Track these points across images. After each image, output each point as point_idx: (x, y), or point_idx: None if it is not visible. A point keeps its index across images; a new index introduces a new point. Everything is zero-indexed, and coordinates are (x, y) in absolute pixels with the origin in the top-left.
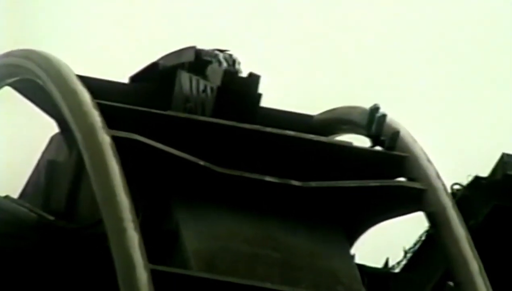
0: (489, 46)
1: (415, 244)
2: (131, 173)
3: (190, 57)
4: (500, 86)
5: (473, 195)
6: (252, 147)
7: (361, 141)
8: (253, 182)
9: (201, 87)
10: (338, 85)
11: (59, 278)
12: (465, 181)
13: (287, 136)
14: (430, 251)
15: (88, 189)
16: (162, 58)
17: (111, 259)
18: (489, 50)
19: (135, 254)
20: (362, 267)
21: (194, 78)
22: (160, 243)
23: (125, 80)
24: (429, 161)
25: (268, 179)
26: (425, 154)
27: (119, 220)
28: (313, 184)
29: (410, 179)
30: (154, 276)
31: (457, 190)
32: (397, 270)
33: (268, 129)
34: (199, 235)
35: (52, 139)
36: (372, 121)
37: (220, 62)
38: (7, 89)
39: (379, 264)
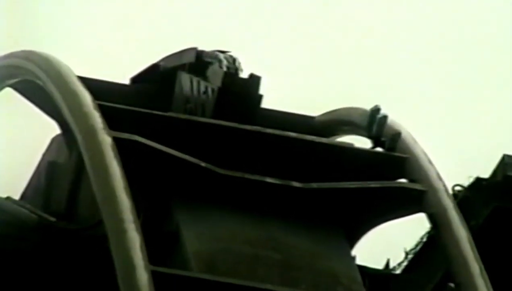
0: (490, 46)
1: (416, 245)
2: (132, 174)
3: (191, 58)
4: (501, 87)
5: (474, 196)
6: (253, 148)
7: (362, 142)
8: (254, 183)
9: (202, 89)
10: (339, 86)
11: (59, 279)
12: (466, 182)
13: (288, 138)
14: (431, 252)
15: (88, 190)
16: (163, 59)
17: (111, 260)
18: (489, 51)
19: (135, 255)
20: (363, 268)
21: (195, 79)
22: (160, 244)
23: (126, 81)
24: (430, 162)
25: (269, 180)
26: (426, 155)
27: (119, 221)
28: (314, 185)
29: (411, 180)
30: (155, 277)
31: (458, 191)
32: (398, 271)
33: (269, 130)
34: (200, 236)
35: (53, 140)
36: (373, 123)
37: (220, 63)
38: (8, 90)
39: (380, 265)
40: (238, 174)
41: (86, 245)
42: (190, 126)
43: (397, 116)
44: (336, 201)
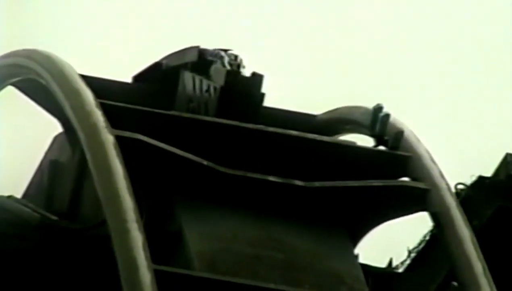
0: (492, 45)
1: (419, 244)
2: (135, 172)
3: (193, 57)
4: (504, 86)
5: (476, 194)
6: (256, 146)
7: (365, 141)
8: (256, 182)
9: (204, 87)
10: (341, 85)
11: (62, 278)
12: (468, 181)
13: (290, 136)
14: (434, 251)
15: (91, 189)
16: (166, 58)
17: (114, 259)
18: (491, 50)
19: (138, 255)
20: (366, 267)
21: (197, 78)
22: (163, 243)
23: (128, 80)
24: (433, 160)
25: (271, 178)
26: (428, 153)
27: (122, 220)
28: (317, 183)
29: (414, 178)
30: (158, 276)
31: (461, 189)
32: (401, 270)
33: (271, 129)
34: (203, 235)
35: (55, 139)
36: (376, 121)
37: (223, 62)
38: (10, 89)
39: (383, 264)
40: (240, 173)
41: (89, 244)
42: (192, 125)
43: (400, 115)
44: (339, 200)
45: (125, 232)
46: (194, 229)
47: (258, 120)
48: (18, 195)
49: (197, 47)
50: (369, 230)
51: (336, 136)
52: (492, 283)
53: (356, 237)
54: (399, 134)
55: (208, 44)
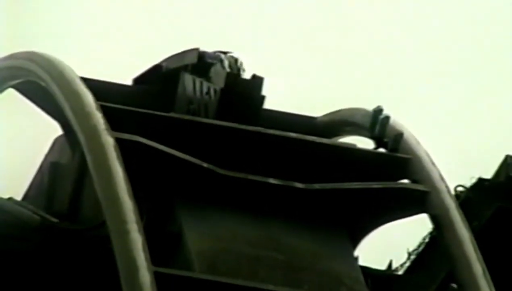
0: (492, 46)
1: (418, 246)
2: (134, 175)
3: (193, 59)
4: (503, 87)
5: (476, 197)
6: (255, 148)
7: (364, 143)
8: (256, 184)
9: (204, 89)
10: (341, 87)
11: (62, 280)
12: (468, 183)
13: (290, 138)
14: (434, 253)
15: (91, 191)
16: (165, 60)
17: (114, 261)
18: (492, 51)
19: (138, 256)
20: (365, 269)
21: (197, 80)
22: (163, 245)
23: (128, 82)
24: (432, 162)
25: (271, 181)
26: (428, 155)
27: (122, 222)
28: (317, 186)
29: (413, 181)
30: (157, 278)
31: (461, 192)
32: (400, 272)
33: (271, 131)
34: (203, 237)
35: (55, 141)
36: (376, 123)
37: (223, 64)
38: (10, 91)
39: (383, 266)
40: (240, 175)
41: (89, 246)
42: (192, 127)
43: (400, 117)
44: (339, 202)
45: (125, 233)
46: (194, 231)
47: (258, 122)
48: (18, 197)
49: (197, 49)
50: (368, 232)
51: (336, 138)
52: (491, 284)
53: (355, 239)
54: (399, 136)
55: (208, 46)
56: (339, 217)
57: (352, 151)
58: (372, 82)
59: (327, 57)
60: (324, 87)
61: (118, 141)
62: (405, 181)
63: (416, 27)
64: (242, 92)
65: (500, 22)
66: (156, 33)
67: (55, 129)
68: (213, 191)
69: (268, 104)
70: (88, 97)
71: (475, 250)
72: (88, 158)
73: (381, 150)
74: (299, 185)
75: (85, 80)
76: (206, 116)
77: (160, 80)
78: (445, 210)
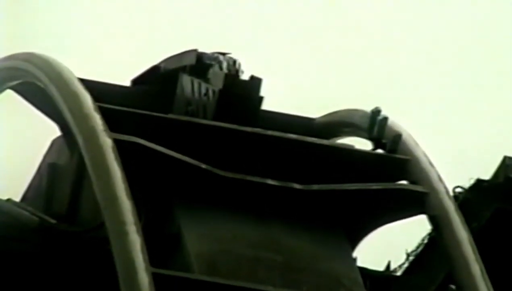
0: (491, 47)
1: (417, 247)
2: (133, 176)
3: (192, 60)
4: (502, 88)
5: (475, 198)
6: (254, 150)
7: (363, 144)
8: (255, 185)
9: (203, 90)
10: (339, 88)
11: (60, 281)
12: (467, 184)
13: (288, 139)
14: (432, 254)
15: (89, 192)
16: (164, 61)
17: (113, 262)
18: (491, 51)
19: (136, 257)
20: (364, 270)
21: (196, 81)
22: (162, 246)
23: (127, 83)
24: (431, 163)
25: (269, 182)
26: (427, 156)
27: (121, 223)
28: (315, 187)
29: (412, 182)
30: (156, 279)
31: (459, 193)
32: (399, 273)
33: (270, 132)
34: (201, 238)
35: (54, 142)
36: (374, 124)
37: (221, 65)
38: (9, 92)
39: (381, 267)
40: (239, 176)
41: (88, 247)
42: (191, 128)
43: (398, 118)
44: (337, 203)
45: (123, 234)
46: (192, 232)
47: (256, 123)
48: (17, 198)
49: (195, 50)
50: (367, 233)
51: (334, 139)
52: (490, 285)
53: (354, 240)
54: (397, 137)
55: (206, 47)
56: (338, 218)
57: (350, 152)
58: (370, 83)
59: (325, 58)
60: (322, 88)
61: (117, 142)
62: (404, 182)
63: (415, 28)
64: (241, 93)
65: (500, 22)
66: (154, 34)
67: (54, 131)
68: (212, 192)
69: (266, 105)
70: (86, 98)
71: (473, 251)
72: (87, 159)
73: (380, 151)
74: (297, 186)
75: (83, 81)
76: (205, 118)
77: (158, 81)
78: (444, 211)
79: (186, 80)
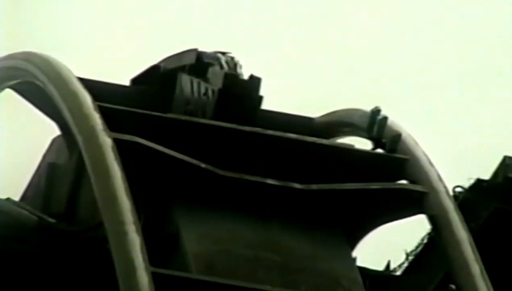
0: (491, 47)
1: (416, 247)
2: (132, 175)
3: (191, 59)
4: (502, 88)
5: (474, 197)
6: (253, 149)
7: (363, 144)
8: (254, 185)
9: (202, 90)
10: (339, 87)
11: (59, 281)
12: (466, 184)
13: (288, 139)
14: (432, 253)
15: (89, 192)
16: (163, 60)
17: (111, 261)
18: (490, 52)
19: (135, 257)
20: (363, 270)
21: (195, 80)
22: (161, 245)
23: (126, 82)
24: (430, 163)
25: (269, 181)
26: (426, 156)
27: (120, 222)
28: (315, 186)
29: (411, 181)
30: (155, 278)
31: (459, 192)
32: (398, 273)
33: (269, 131)
34: (200, 238)
35: (53, 141)
36: (374, 124)
37: (221, 65)
38: (8, 91)
39: (381, 267)
40: (238, 175)
41: (87, 246)
42: (190, 128)
43: (397, 117)
44: (337, 203)
45: (122, 234)
46: (191, 231)
47: (256, 123)
48: (16, 198)
49: (195, 49)
50: (366, 232)
51: (334, 139)
52: (489, 285)
53: (353, 240)
54: (397, 137)
55: (206, 46)
56: (337, 218)
57: (350, 151)
58: (371, 83)
59: (325, 58)
60: (322, 87)
61: (116, 142)
62: (403, 181)
63: (414, 28)
64: (240, 93)
65: (499, 23)
66: (154, 33)
67: (53, 130)
68: (211, 192)
69: (266, 105)
70: (86, 97)
71: (473, 250)
72: (86, 159)
73: (379, 150)
74: (297, 186)
75: (83, 80)
76: (204, 117)
77: (158, 80)
78: (443, 210)
79: (185, 80)
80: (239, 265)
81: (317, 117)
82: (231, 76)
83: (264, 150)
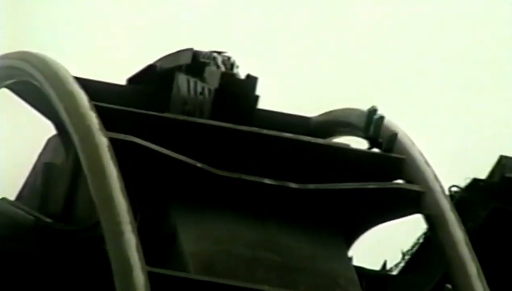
0: (488, 47)
1: (413, 247)
2: (129, 175)
3: (188, 59)
4: (498, 88)
5: (471, 197)
6: (250, 149)
7: (359, 143)
8: (251, 184)
9: (199, 89)
10: (336, 86)
11: (56, 281)
12: (463, 183)
13: (284, 139)
14: (428, 253)
15: (85, 191)
16: (160, 60)
17: (108, 261)
18: (487, 51)
19: (132, 257)
20: (360, 270)
21: (192, 80)
22: (157, 245)
23: (123, 82)
24: (427, 163)
25: (266, 181)
26: (423, 156)
27: (116, 222)
28: (311, 186)
29: (408, 181)
30: (151, 278)
31: (455, 192)
32: (395, 273)
33: (266, 131)
34: (197, 237)
35: (49, 141)
36: (370, 123)
37: (217, 64)
38: (4, 91)
39: (377, 267)
40: (235, 175)
41: (83, 246)
42: (187, 127)
43: (394, 117)
44: (333, 202)
45: (119, 234)
46: (188, 231)
47: (252, 122)
48: (12, 197)
49: (191, 49)
50: (363, 232)
51: (330, 138)
52: (486, 285)
53: (350, 239)
54: (393, 136)
55: (202, 46)
56: (334, 217)
57: (346, 151)
58: (367, 82)
59: (321, 57)
60: (318, 87)
61: (112, 141)
62: (400, 181)
63: (411, 26)
64: (236, 92)
65: (497, 23)
66: (150, 33)
67: (49, 129)
68: (208, 191)
69: (262, 104)
70: (82, 97)
71: (469, 250)
72: (82, 158)
73: (376, 150)
74: (293, 185)
75: (79, 80)
76: (201, 117)
77: (154, 80)
78: (440, 210)
79: (182, 79)
80: (237, 265)
81: (313, 117)
82: (228, 75)
83: (260, 149)
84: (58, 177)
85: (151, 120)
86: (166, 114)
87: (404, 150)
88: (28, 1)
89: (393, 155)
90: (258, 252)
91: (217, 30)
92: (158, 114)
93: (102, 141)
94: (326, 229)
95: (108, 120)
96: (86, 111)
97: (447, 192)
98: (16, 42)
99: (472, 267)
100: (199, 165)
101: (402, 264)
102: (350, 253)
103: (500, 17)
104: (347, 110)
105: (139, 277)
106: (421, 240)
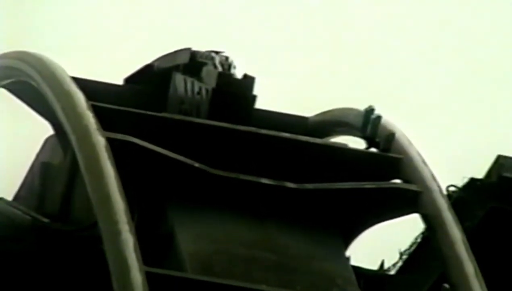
0: (486, 47)
1: (410, 246)
2: (126, 175)
3: (185, 59)
4: (496, 88)
5: (468, 197)
6: (247, 148)
7: (356, 143)
8: (249, 184)
9: (196, 89)
10: (333, 86)
11: (53, 281)
12: (460, 183)
13: (282, 138)
14: (426, 253)
15: (82, 191)
16: (157, 59)
17: (106, 261)
18: (486, 51)
19: (130, 257)
20: (357, 269)
21: (189, 80)
22: (155, 245)
23: (120, 82)
24: (424, 162)
25: (263, 181)
26: (420, 155)
27: (114, 222)
28: (309, 186)
29: (405, 181)
30: (149, 278)
31: (453, 192)
32: (392, 272)
33: (263, 131)
34: (195, 237)
35: (47, 141)
36: (367, 123)
37: (215, 64)
38: (2, 91)
39: (375, 266)
40: (232, 175)
41: (81, 246)
42: (184, 127)
43: (391, 117)
44: (331, 202)
45: (116, 233)
46: (186, 231)
47: (250, 122)
48: (9, 197)
49: (189, 49)
50: (360, 232)
51: (327, 138)
52: (483, 284)
53: (348, 239)
54: (391, 136)
55: (200, 46)
56: (331, 217)
57: (344, 150)
58: (365, 82)
59: (318, 57)
60: (315, 87)
61: (110, 141)
62: (397, 180)
63: (409, 26)
64: (234, 92)
65: (497, 23)
66: (148, 33)
67: (47, 129)
68: (205, 191)
69: (259, 104)
70: (80, 97)
71: (467, 250)
72: (79, 158)
73: (373, 149)
74: (291, 185)
75: (76, 80)
76: (198, 116)
77: (151, 80)
78: (437, 210)
79: (179, 79)
80: (235, 264)
81: (311, 117)
82: (225, 75)
83: (258, 149)
84: (55, 177)
85: (148, 120)
86: (163, 114)
87: (401, 150)
88: (28, 1)
89: (391, 154)
90: (256, 252)
91: (215, 29)
92: (155, 114)
93: (100, 141)
94: (323, 228)
95: (105, 120)
96: (83, 111)
97: (444, 192)
98: (16, 42)
99: (470, 267)
100: (196, 164)
101: (399, 264)
102: (348, 252)
103: (500, 17)
104: (344, 110)
105: (137, 277)
106: (418, 240)
